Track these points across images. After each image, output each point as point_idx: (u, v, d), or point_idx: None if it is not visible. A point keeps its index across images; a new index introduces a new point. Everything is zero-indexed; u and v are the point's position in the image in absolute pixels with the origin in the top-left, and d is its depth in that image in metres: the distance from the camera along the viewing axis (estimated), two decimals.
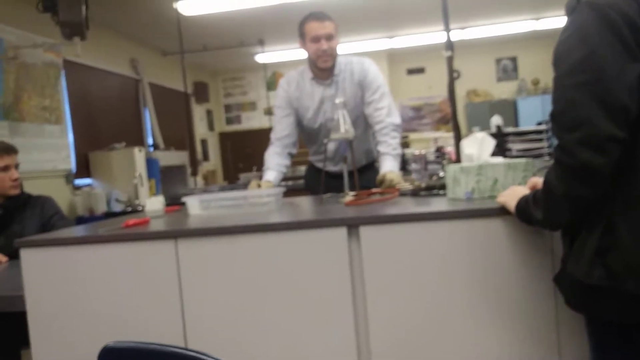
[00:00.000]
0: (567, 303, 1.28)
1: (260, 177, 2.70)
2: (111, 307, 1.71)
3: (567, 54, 1.14)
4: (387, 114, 2.61)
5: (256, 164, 6.88)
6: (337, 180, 2.34)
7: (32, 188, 2.96)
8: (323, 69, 2.62)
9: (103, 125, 5.60)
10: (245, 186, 4.90)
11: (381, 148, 2.58)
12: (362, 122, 2.71)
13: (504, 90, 8.97)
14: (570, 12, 1.18)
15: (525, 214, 1.33)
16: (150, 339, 1.27)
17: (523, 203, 1.34)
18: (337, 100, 2.17)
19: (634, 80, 1.09)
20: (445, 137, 7.34)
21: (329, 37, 2.55)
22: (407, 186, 2.21)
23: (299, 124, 2.77)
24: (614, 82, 1.08)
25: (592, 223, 1.17)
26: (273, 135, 2.74)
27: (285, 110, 2.72)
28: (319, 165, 2.84)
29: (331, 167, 2.80)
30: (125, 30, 6.05)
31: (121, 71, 6.11)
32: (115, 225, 1.91)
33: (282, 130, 2.72)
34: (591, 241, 1.16)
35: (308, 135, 2.85)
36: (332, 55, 2.59)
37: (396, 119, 2.64)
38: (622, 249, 1.12)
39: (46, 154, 4.58)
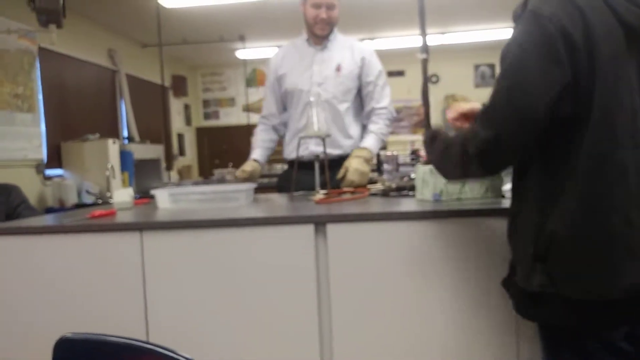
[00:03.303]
0: (517, 310, 1.28)
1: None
2: (73, 298, 1.69)
3: (503, 58, 1.19)
4: (390, 102, 2.65)
5: (232, 160, 6.82)
6: (312, 177, 2.30)
7: (1, 177, 2.90)
8: (319, 35, 2.61)
9: (77, 116, 5.50)
10: (219, 182, 4.86)
11: (370, 126, 2.60)
12: (353, 100, 2.63)
13: (482, 96, 8.92)
14: (516, 19, 1.21)
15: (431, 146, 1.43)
16: (112, 331, 1.25)
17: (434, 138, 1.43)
18: (312, 98, 2.17)
19: (554, 94, 1.11)
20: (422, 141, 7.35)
21: (330, 6, 2.54)
22: (378, 186, 2.22)
23: (285, 93, 2.67)
24: (532, 92, 1.13)
25: (530, 229, 1.18)
26: (261, 115, 2.78)
27: (274, 87, 2.70)
28: (292, 156, 2.64)
29: (313, 147, 2.54)
30: (103, 20, 5.95)
31: (98, 61, 6.01)
32: (81, 216, 1.88)
33: (268, 107, 2.73)
34: (530, 247, 1.17)
35: (290, 100, 2.68)
36: (330, 24, 2.57)
37: (394, 112, 2.68)
38: (564, 255, 1.13)
39: (17, 143, 4.49)
